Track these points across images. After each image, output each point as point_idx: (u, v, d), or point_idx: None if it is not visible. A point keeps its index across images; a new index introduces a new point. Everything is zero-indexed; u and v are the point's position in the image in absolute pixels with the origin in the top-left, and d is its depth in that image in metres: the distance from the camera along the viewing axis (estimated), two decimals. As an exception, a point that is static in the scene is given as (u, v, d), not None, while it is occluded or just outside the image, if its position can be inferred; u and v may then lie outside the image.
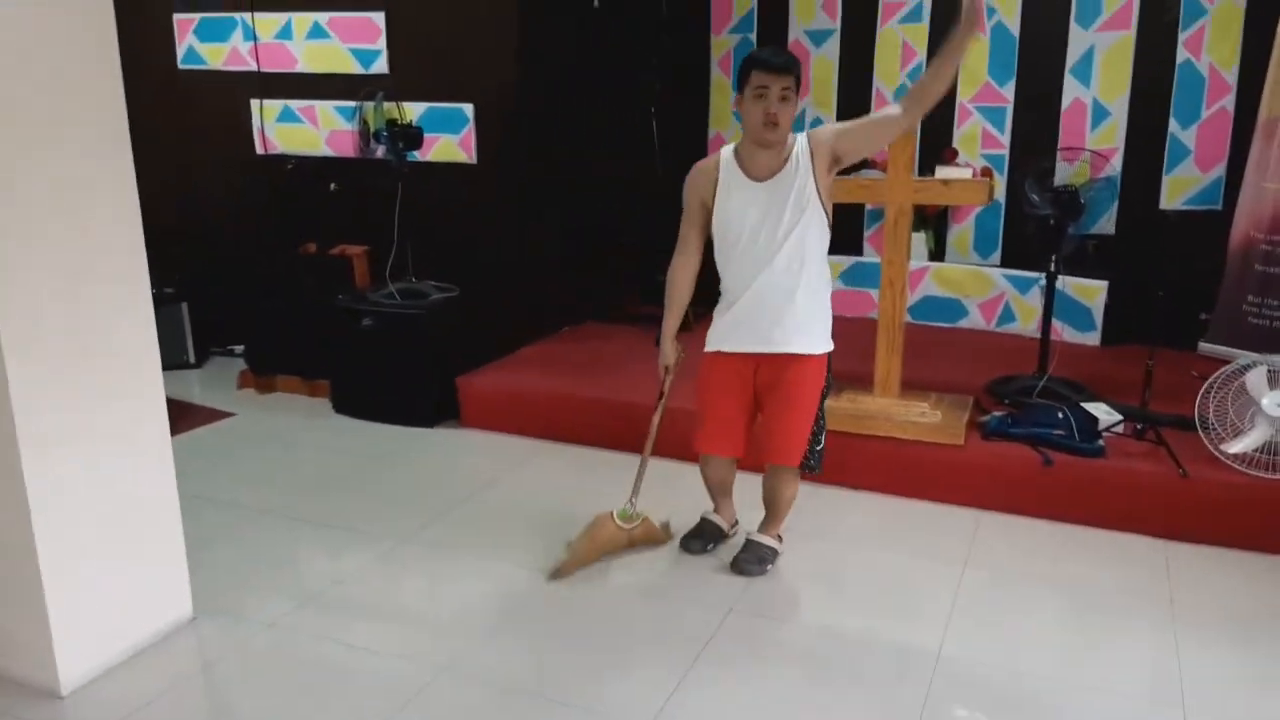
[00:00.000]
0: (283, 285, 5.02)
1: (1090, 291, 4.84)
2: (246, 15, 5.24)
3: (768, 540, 3.18)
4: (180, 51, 5.46)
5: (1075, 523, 3.44)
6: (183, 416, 4.45)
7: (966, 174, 3.81)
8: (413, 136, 4.58)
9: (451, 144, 5.01)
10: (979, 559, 3.24)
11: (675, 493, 3.53)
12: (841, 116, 5.57)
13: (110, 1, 2.47)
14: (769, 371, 2.93)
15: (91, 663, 2.58)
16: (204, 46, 5.41)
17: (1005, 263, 5.30)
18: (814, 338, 2.87)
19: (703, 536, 3.30)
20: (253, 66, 5.35)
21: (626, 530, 3.22)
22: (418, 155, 4.81)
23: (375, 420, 4.60)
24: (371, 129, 4.60)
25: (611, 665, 2.66)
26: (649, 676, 2.58)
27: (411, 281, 4.69)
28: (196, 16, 5.37)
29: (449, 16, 4.87)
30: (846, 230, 5.50)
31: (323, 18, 5.11)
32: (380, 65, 5.04)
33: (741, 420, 3.02)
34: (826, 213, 2.86)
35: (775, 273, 2.81)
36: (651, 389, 3.29)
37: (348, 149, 5.16)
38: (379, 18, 4.99)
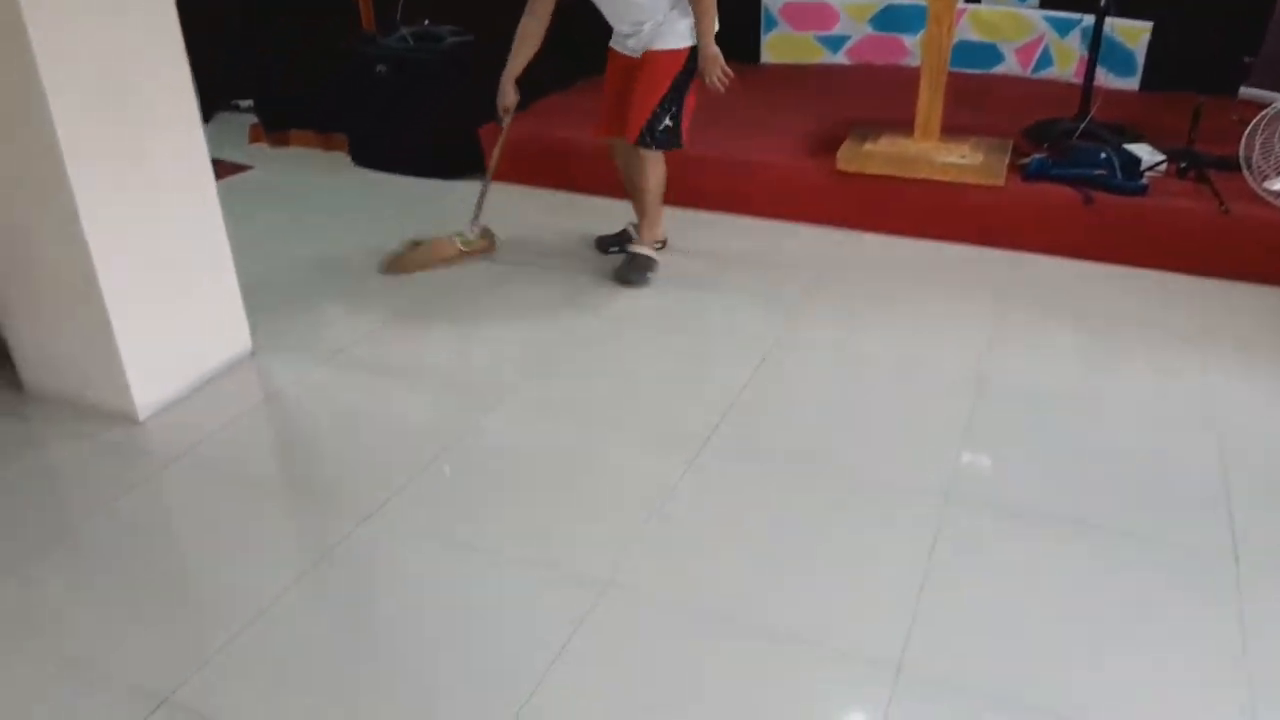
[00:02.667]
0: (292, 33, 4.77)
1: (1134, 33, 4.64)
2: None
3: (645, 250, 3.44)
4: None
5: (1115, 262, 3.47)
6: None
7: (1026, -106, 3.55)
8: None
9: None
10: (1018, 295, 3.29)
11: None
12: None
13: None
14: (632, 66, 3.23)
15: (164, 391, 2.65)
16: None
17: (1044, 4, 5.04)
18: (665, 41, 3.12)
19: (619, 240, 3.62)
20: None
21: (463, 250, 3.54)
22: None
23: (396, 172, 4.52)
24: None
25: (652, 401, 2.75)
26: (712, 390, 2.68)
27: (425, 24, 4.46)
28: None
29: None
30: (878, -29, 5.21)
31: None
32: None
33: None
34: None
35: (625, 17, 3.17)
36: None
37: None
38: None
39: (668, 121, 3.19)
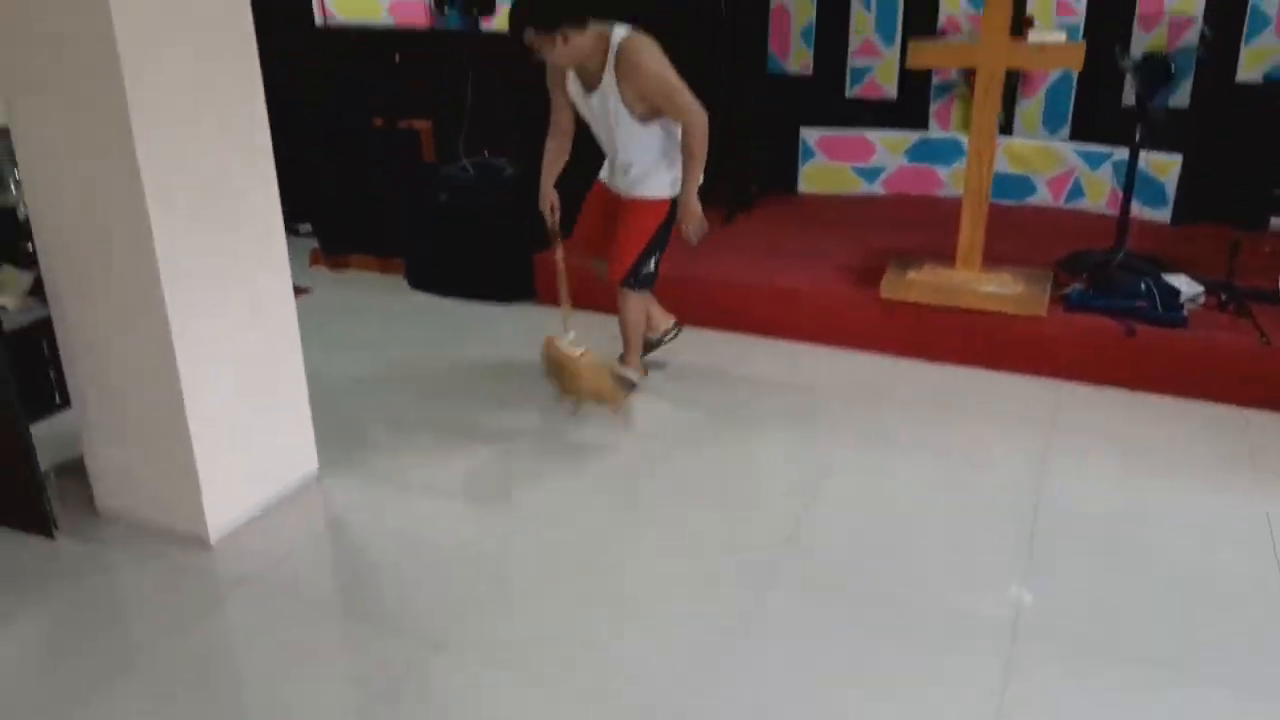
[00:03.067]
0: (353, 160, 5.01)
1: (1164, 166, 4.80)
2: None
3: (627, 372, 3.58)
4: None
5: (1157, 392, 3.53)
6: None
7: (1061, 37, 3.73)
8: (487, 1, 4.52)
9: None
10: (1064, 424, 3.34)
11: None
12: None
13: None
14: (620, 205, 3.39)
15: (235, 514, 2.73)
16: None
17: (1075, 136, 5.23)
18: (649, 190, 3.30)
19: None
20: (308, -69, 5.23)
21: (574, 356, 3.36)
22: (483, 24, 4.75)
23: (451, 296, 4.68)
24: (443, -5, 4.54)
25: (704, 530, 2.81)
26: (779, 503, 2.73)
27: (484, 156, 4.69)
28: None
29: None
30: (912, 104, 5.44)
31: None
32: (443, -70, 4.92)
33: (599, 229, 3.47)
34: (655, 115, 3.16)
35: (617, 156, 3.33)
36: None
37: (409, 18, 5.09)
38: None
39: (651, 267, 3.37)
